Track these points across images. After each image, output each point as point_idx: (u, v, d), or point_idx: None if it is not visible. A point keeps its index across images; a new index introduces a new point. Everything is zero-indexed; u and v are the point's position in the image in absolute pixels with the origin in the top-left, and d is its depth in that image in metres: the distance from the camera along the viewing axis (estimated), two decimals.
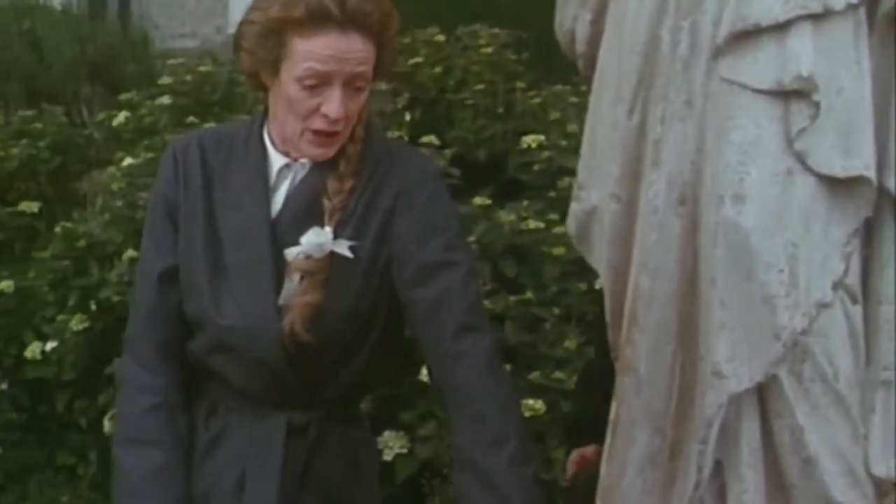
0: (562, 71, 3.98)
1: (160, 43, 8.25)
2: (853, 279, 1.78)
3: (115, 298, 3.73)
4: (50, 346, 3.93)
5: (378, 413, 3.57)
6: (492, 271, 3.54)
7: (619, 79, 1.84)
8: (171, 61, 5.40)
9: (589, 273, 2.81)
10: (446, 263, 2.45)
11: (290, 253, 2.44)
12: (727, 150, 1.73)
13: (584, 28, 1.96)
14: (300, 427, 2.50)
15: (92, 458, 3.96)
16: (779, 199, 1.72)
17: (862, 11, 1.79)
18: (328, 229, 2.45)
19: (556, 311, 3.30)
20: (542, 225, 3.50)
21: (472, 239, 3.84)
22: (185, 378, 2.58)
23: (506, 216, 3.66)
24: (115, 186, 4.20)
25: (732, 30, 1.73)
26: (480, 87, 4.71)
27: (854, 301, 1.78)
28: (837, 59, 1.76)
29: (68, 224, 4.22)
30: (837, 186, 1.76)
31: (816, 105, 1.73)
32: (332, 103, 2.42)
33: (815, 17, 1.74)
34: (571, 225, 1.97)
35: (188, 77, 5.04)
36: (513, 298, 3.33)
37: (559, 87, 4.53)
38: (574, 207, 1.96)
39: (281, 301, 2.44)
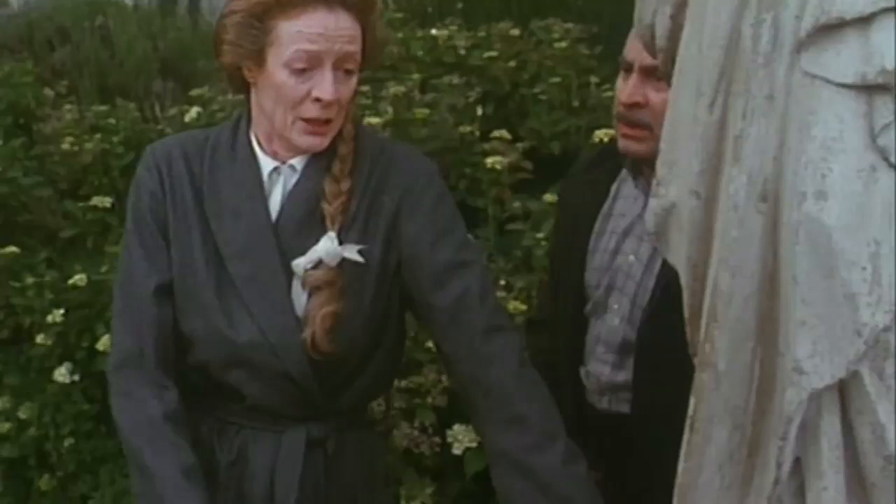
0: None
1: None
2: None
3: None
4: None
5: (447, 407, 3.56)
6: None
7: (700, 73, 1.82)
8: None
9: None
10: (461, 264, 2.44)
11: (298, 265, 2.41)
12: (809, 146, 1.71)
13: (663, 23, 1.95)
14: (319, 439, 2.47)
15: None
16: (861, 196, 1.70)
17: None
18: (333, 235, 2.41)
19: None
20: None
21: (540, 235, 3.84)
22: (181, 394, 2.52)
23: None
24: None
25: (815, 23, 1.71)
26: (554, 81, 4.71)
27: None
28: None
29: None
30: None
31: None
32: (324, 85, 2.38)
33: None
34: (649, 221, 1.96)
35: None
36: None
37: None
38: (652, 203, 1.95)
39: (301, 314, 2.41)
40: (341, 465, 2.55)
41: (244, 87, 2.54)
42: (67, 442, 4.46)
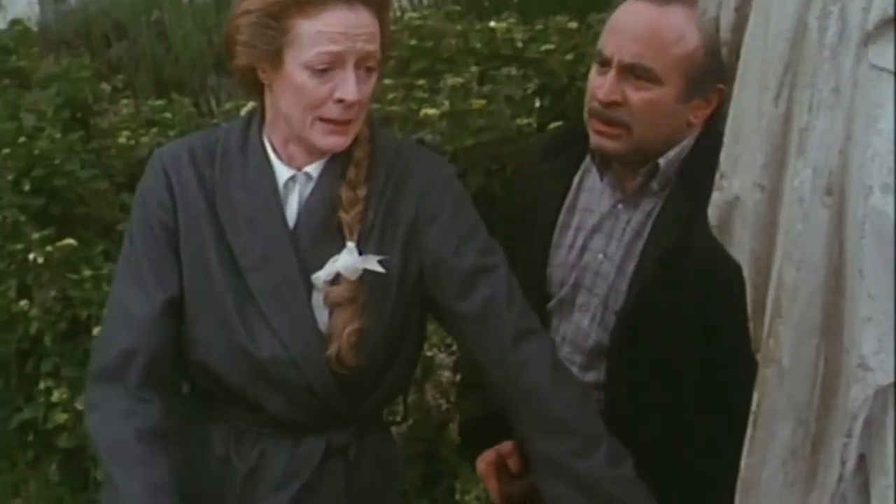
0: None
1: None
2: None
3: None
4: None
5: None
6: None
7: (765, 66, 1.81)
8: None
9: None
10: (485, 269, 2.40)
11: (318, 278, 2.37)
12: (875, 139, 1.69)
13: (728, 15, 1.93)
14: (341, 447, 2.44)
15: None
16: None
17: None
18: (352, 246, 2.36)
19: None
20: None
21: None
22: (173, 403, 2.45)
23: None
24: None
25: (883, 15, 1.69)
26: None
27: None
28: None
29: None
30: None
31: None
32: (348, 86, 2.31)
33: None
34: (712, 215, 1.94)
35: None
36: None
37: None
38: (715, 197, 1.93)
39: (323, 328, 2.36)
40: (362, 471, 2.52)
41: (257, 90, 2.47)
42: None
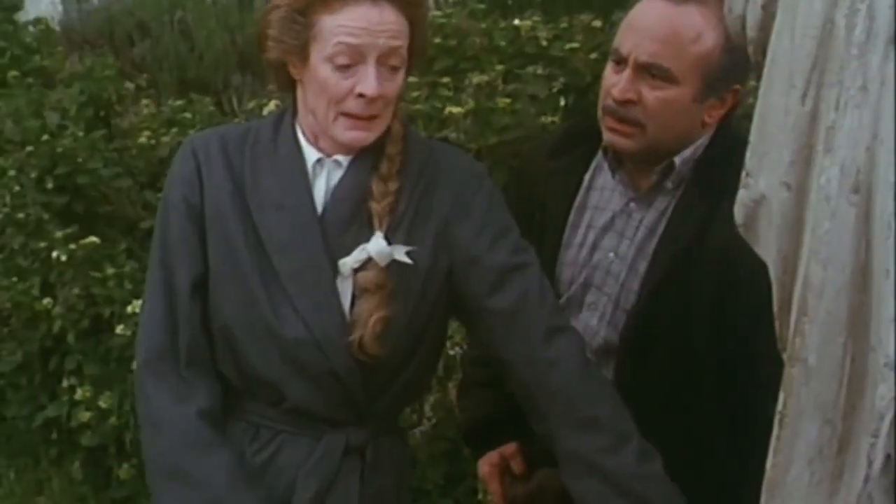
0: None
1: None
2: None
3: None
4: None
5: None
6: None
7: (792, 64, 1.80)
8: None
9: None
10: (518, 266, 2.40)
11: (345, 264, 2.37)
12: None
13: (755, 12, 1.92)
14: (358, 446, 2.44)
15: None
16: None
17: None
18: (381, 235, 2.37)
19: None
20: None
21: None
22: (218, 384, 2.46)
23: None
24: None
25: None
26: None
27: None
28: None
29: None
30: None
31: None
32: (367, 81, 2.33)
33: None
34: (738, 213, 1.93)
35: None
36: None
37: None
38: (741, 195, 1.92)
39: (347, 313, 2.37)
40: (377, 472, 2.52)
41: (290, 84, 2.49)
42: None
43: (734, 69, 2.62)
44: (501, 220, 2.50)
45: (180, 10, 7.51)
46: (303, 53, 2.37)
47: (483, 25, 5.44)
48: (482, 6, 5.86)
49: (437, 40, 5.18)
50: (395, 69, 2.39)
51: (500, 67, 5.01)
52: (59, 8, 8.16)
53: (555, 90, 4.83)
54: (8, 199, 5.27)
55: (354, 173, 2.45)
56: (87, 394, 4.77)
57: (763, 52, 1.91)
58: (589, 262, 2.76)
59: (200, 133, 2.64)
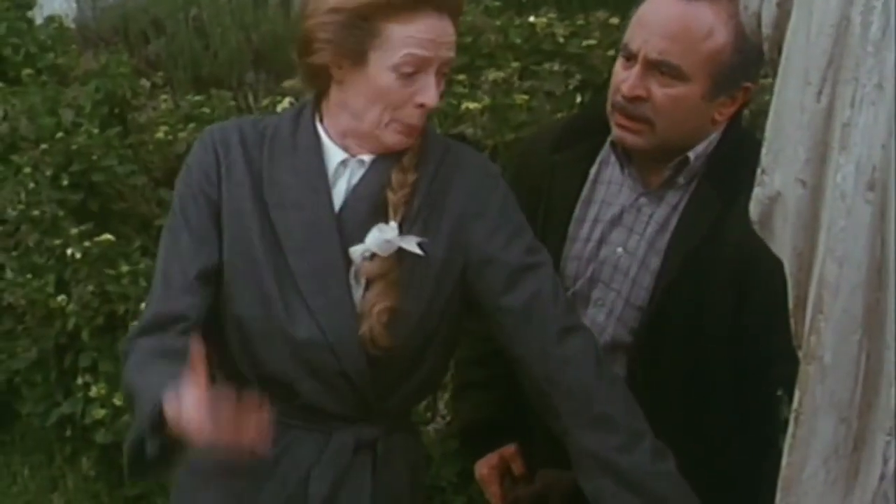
0: None
1: None
2: None
3: None
4: None
5: None
6: None
7: (808, 61, 1.79)
8: None
9: None
10: (532, 266, 2.41)
11: (356, 251, 2.37)
12: None
13: (770, 10, 1.91)
14: (369, 442, 2.44)
15: None
16: None
17: None
18: (393, 224, 2.38)
19: None
20: None
21: None
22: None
23: None
24: None
25: None
26: None
27: None
28: None
29: None
30: None
31: None
32: (430, 91, 2.36)
33: None
34: (753, 211, 1.92)
35: None
36: None
37: None
38: (756, 192, 1.91)
39: (358, 310, 2.37)
40: (389, 467, 2.53)
41: (323, 83, 2.49)
42: None
43: (745, 67, 2.61)
44: (516, 219, 2.51)
45: (195, 8, 7.52)
46: (360, 58, 2.38)
47: (498, 22, 5.44)
48: (497, 3, 5.86)
49: None
50: (443, 76, 2.43)
51: (515, 64, 5.01)
52: (74, 5, 8.17)
53: (571, 87, 4.83)
54: (23, 196, 5.28)
55: (377, 170, 2.46)
56: (102, 391, 4.77)
57: (778, 50, 1.90)
58: (596, 257, 2.75)
59: (219, 125, 2.64)
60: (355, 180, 2.46)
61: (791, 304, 1.88)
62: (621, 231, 2.74)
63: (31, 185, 5.29)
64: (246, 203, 2.44)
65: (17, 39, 7.01)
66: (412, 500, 2.62)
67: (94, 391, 4.82)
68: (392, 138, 2.43)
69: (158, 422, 2.19)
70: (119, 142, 5.53)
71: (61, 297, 4.98)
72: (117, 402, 4.62)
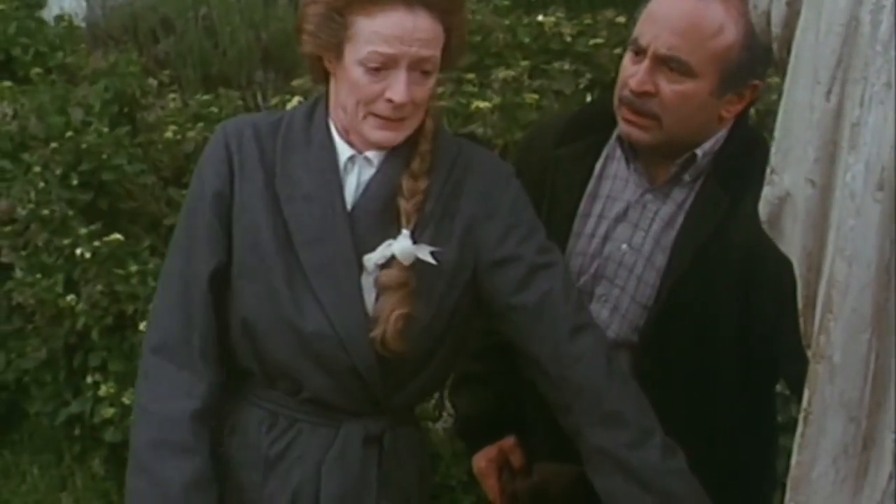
0: None
1: None
2: None
3: None
4: None
5: None
6: None
7: (817, 61, 1.79)
8: None
9: None
10: (544, 265, 2.41)
11: (370, 259, 2.37)
12: None
13: (780, 9, 1.91)
14: (375, 436, 2.44)
15: None
16: None
17: None
18: (407, 233, 2.38)
19: None
20: None
21: None
22: (223, 381, 2.45)
23: None
24: None
25: None
26: None
27: None
28: None
29: None
30: None
31: None
32: (397, 87, 2.34)
33: None
34: (763, 210, 1.92)
35: None
36: None
37: None
38: (766, 192, 1.91)
39: (370, 309, 2.37)
40: (395, 460, 2.53)
41: (325, 76, 2.50)
42: None
43: (753, 65, 2.61)
44: (528, 219, 2.50)
45: (204, 7, 7.53)
46: (337, 50, 2.39)
47: (507, 22, 5.43)
48: (506, 2, 5.86)
49: None
50: (426, 74, 2.40)
51: (524, 63, 5.01)
52: (84, 4, 8.18)
53: (581, 86, 4.84)
54: (32, 195, 5.28)
55: (387, 171, 2.46)
56: (111, 390, 4.77)
57: (788, 49, 1.90)
58: (600, 253, 2.73)
59: (233, 120, 2.64)
60: (365, 178, 2.46)
61: (800, 304, 1.88)
62: (626, 227, 2.73)
63: (41, 184, 5.29)
64: (258, 198, 2.45)
65: (27, 38, 7.02)
66: (419, 491, 2.62)
67: (103, 390, 4.82)
68: (372, 133, 2.42)
69: None
70: (128, 141, 5.53)
71: (70, 297, 4.98)
72: (126, 401, 4.61)
